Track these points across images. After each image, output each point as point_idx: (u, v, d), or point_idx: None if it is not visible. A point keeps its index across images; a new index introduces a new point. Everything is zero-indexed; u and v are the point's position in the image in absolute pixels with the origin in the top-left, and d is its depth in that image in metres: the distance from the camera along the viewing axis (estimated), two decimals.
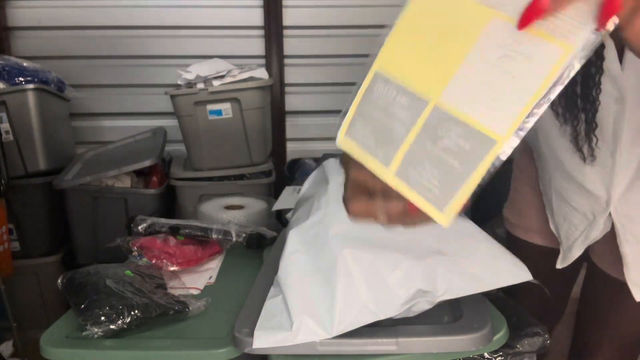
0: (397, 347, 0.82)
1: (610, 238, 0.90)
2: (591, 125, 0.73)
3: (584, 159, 0.79)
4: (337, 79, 2.55)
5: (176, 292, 1.09)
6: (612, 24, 0.38)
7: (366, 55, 2.46)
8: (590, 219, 0.87)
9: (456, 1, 0.47)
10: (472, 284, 0.87)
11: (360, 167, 0.48)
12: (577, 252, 0.92)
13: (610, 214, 0.84)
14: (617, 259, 0.89)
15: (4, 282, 1.65)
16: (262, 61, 2.50)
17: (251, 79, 2.01)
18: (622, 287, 0.89)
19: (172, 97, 2.01)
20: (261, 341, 0.83)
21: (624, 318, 0.98)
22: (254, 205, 1.81)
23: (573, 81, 0.55)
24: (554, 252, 1.01)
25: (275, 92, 2.51)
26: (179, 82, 2.07)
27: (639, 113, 0.68)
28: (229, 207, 1.79)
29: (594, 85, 0.68)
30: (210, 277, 1.24)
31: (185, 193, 2.09)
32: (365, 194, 0.47)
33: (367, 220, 0.47)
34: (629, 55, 0.64)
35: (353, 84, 2.39)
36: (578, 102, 0.72)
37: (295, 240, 0.95)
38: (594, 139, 0.74)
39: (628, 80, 0.66)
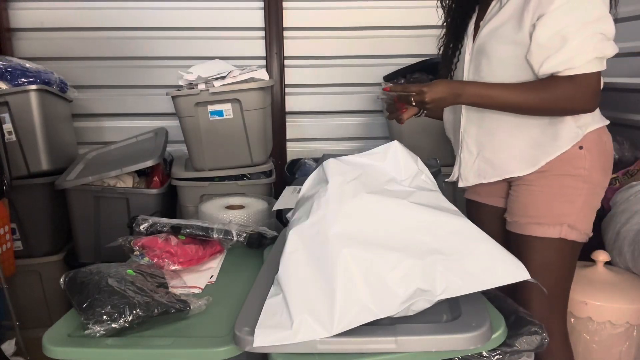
0: (396, 346, 0.83)
1: (511, 205, 1.23)
2: (456, 61, 1.31)
3: None
4: (337, 79, 2.56)
5: (177, 291, 1.10)
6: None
7: (366, 57, 2.55)
8: (459, 138, 1.30)
9: None
10: (470, 283, 0.88)
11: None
12: (456, 172, 1.33)
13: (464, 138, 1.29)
14: (515, 219, 1.22)
15: (7, 281, 1.66)
16: (263, 62, 2.51)
17: (252, 79, 2.02)
18: (522, 241, 1.19)
19: (174, 98, 2.02)
20: (262, 340, 0.84)
21: (529, 268, 1.04)
22: (254, 205, 1.81)
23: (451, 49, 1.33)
24: (501, 211, 1.29)
25: (275, 93, 2.52)
26: (180, 83, 2.08)
27: (476, 57, 1.23)
28: (230, 207, 1.80)
29: (457, 50, 1.30)
30: (211, 276, 1.25)
31: (186, 193, 2.10)
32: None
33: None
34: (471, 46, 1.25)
35: (353, 84, 2.47)
36: (453, 59, 1.32)
37: (295, 240, 0.95)
38: (454, 69, 1.32)
39: (474, 49, 1.24)
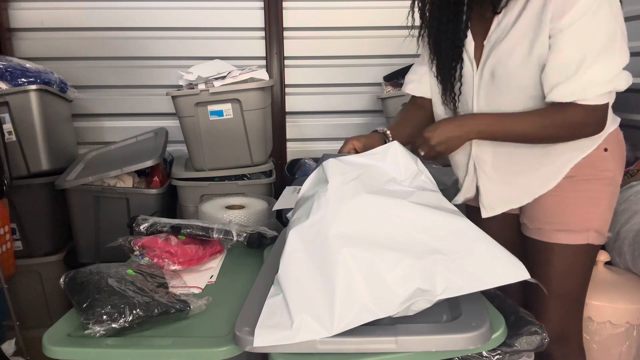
0: (397, 346, 0.83)
1: (533, 211, 1.18)
2: (459, 86, 1.18)
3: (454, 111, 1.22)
4: (337, 79, 2.56)
5: (177, 291, 1.10)
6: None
7: (366, 57, 2.54)
8: (465, 165, 1.23)
9: None
10: (470, 283, 0.87)
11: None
12: (463, 196, 1.27)
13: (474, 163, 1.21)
14: (538, 226, 1.16)
15: (7, 281, 1.66)
16: (263, 62, 2.51)
17: (252, 79, 2.02)
18: (546, 248, 1.14)
19: (174, 98, 2.02)
20: (262, 340, 0.84)
21: (552, 274, 1.06)
22: (254, 205, 1.81)
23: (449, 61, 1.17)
24: (512, 217, 1.25)
25: (275, 93, 2.52)
26: (180, 83, 2.08)
27: (488, 82, 1.13)
28: (230, 207, 1.80)
29: (458, 63, 1.17)
30: (211, 276, 1.25)
31: (186, 193, 2.10)
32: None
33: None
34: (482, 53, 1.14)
35: (353, 84, 2.45)
36: (451, 73, 1.18)
37: (295, 240, 0.95)
38: (458, 94, 1.19)
39: (483, 74, 1.14)
